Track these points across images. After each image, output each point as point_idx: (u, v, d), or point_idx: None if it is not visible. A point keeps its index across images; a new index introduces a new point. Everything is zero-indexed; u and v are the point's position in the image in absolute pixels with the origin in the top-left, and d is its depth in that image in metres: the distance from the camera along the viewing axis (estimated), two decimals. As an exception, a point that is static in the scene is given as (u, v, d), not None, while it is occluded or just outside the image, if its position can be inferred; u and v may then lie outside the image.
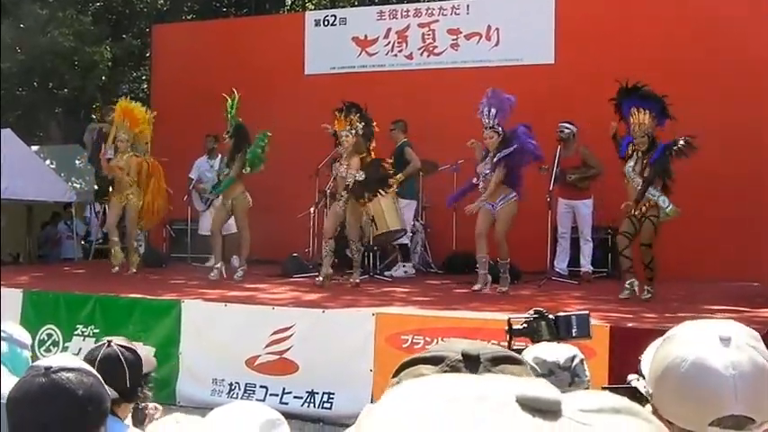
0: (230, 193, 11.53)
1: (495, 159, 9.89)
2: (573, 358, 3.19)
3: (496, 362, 1.26)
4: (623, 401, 0.91)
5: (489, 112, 9.97)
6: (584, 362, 3.32)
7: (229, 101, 11.49)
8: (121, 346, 3.56)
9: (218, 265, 11.65)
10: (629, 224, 9.59)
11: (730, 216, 11.90)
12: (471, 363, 1.25)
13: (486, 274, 10.23)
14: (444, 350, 1.30)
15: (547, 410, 0.85)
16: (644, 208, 9.44)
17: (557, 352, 3.20)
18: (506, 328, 3.57)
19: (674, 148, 9.30)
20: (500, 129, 9.94)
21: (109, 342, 3.56)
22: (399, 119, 12.16)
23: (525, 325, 3.56)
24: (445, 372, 1.24)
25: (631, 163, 9.52)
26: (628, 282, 9.61)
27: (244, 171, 11.49)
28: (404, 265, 12.18)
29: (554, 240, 11.86)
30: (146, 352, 3.83)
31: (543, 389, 0.87)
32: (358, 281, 10.63)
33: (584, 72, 12.57)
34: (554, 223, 11.80)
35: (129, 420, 3.61)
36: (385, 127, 11.35)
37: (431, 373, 1.25)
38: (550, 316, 3.53)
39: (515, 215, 10.10)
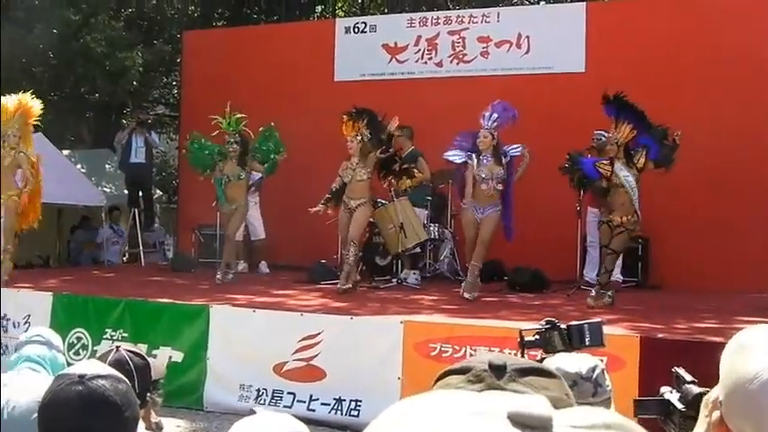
0: (236, 199, 11.58)
1: (506, 158, 10.00)
2: (594, 368, 3.16)
3: (524, 373, 1.26)
4: (616, 417, 0.90)
5: (491, 115, 10.11)
6: (605, 371, 3.29)
7: (231, 116, 11.55)
8: (130, 352, 3.57)
9: (240, 268, 11.75)
10: (608, 233, 9.63)
11: (758, 225, 11.80)
12: (497, 372, 1.24)
13: (478, 282, 10.39)
14: (473, 361, 1.30)
15: (538, 427, 0.85)
16: (625, 218, 9.42)
17: (578, 362, 3.17)
18: (518, 339, 3.54)
19: (670, 141, 9.39)
20: (495, 133, 10.10)
21: (117, 347, 3.58)
22: (405, 125, 12.09)
23: (537, 336, 3.54)
24: (470, 381, 1.24)
25: (626, 172, 9.46)
26: (609, 291, 9.65)
27: (267, 172, 11.64)
28: (414, 273, 12.11)
29: (583, 249, 11.82)
30: (157, 361, 3.84)
31: (536, 406, 0.87)
32: (348, 287, 10.52)
33: (614, 80, 12.49)
34: (583, 232, 11.75)
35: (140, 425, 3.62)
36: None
37: (457, 382, 1.25)
38: (562, 326, 3.51)
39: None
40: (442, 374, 1.31)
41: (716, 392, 1.75)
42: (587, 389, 3.06)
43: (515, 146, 10.15)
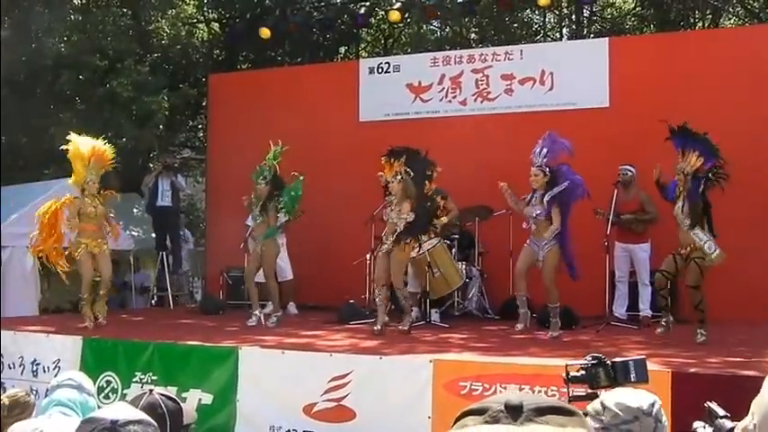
0: (260, 239, 11.57)
1: (547, 198, 9.90)
2: (654, 403, 3.14)
3: (541, 412, 1.25)
4: None
5: (540, 151, 10.03)
6: (662, 407, 3.27)
7: (273, 149, 11.56)
8: (163, 395, 3.56)
9: (257, 312, 11.71)
10: (671, 263, 9.60)
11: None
12: (513, 412, 1.24)
13: (526, 312, 10.35)
14: (490, 401, 1.30)
15: None
16: (689, 248, 9.37)
17: (639, 397, 3.15)
18: (564, 375, 3.54)
19: (704, 180, 9.30)
20: (546, 169, 9.98)
21: (150, 391, 3.57)
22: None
23: (583, 371, 3.54)
24: (486, 422, 1.24)
25: (680, 203, 9.46)
26: (663, 320, 9.73)
27: (284, 218, 11.61)
28: (435, 311, 12.01)
29: (612, 285, 11.75)
30: (188, 405, 3.83)
31: None
32: (407, 327, 10.52)
33: (639, 115, 12.50)
34: (611, 267, 11.69)
35: None
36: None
37: (474, 423, 1.25)
38: (608, 361, 3.51)
39: (560, 259, 10.13)
40: (461, 415, 1.31)
41: (747, 420, 1.74)
42: (649, 424, 3.04)
43: (563, 184, 10.00)
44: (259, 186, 11.53)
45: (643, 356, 3.61)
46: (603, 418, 2.99)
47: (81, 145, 11.45)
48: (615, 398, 3.12)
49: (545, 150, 10.07)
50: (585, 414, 3.03)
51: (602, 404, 3.05)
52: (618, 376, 3.51)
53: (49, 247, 11.25)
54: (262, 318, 11.66)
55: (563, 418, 1.25)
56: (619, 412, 3.00)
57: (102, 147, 11.59)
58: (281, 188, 11.54)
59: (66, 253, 11.35)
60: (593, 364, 3.54)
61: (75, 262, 11.33)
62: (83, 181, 11.33)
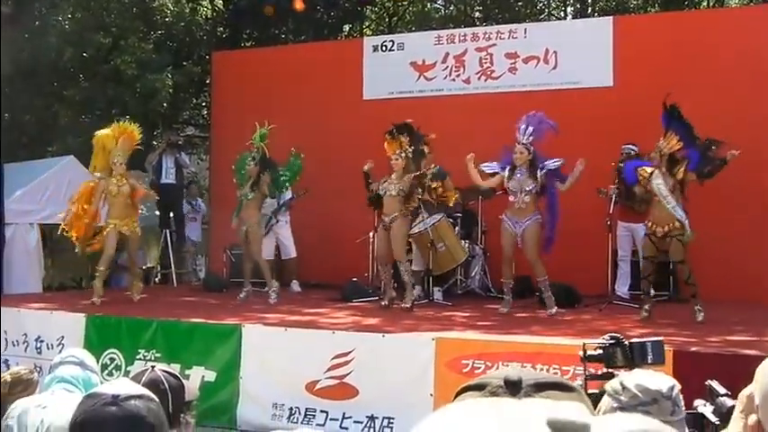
0: (246, 220, 11.64)
1: (541, 173, 9.93)
2: (672, 387, 3.13)
3: (540, 387, 1.26)
4: (653, 424, 0.90)
5: (525, 129, 10.08)
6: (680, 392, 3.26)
7: (259, 131, 11.66)
8: (165, 372, 3.57)
9: (248, 288, 11.86)
10: (651, 246, 9.67)
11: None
12: (512, 388, 1.25)
13: (510, 298, 10.51)
14: (490, 377, 1.31)
15: None
16: (666, 227, 9.38)
17: (658, 380, 3.13)
18: (581, 353, 3.55)
19: (710, 149, 9.34)
20: (531, 148, 10.05)
21: (152, 367, 3.58)
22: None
23: (600, 350, 3.55)
24: (486, 397, 1.25)
25: (659, 180, 9.42)
26: (646, 305, 9.73)
27: (288, 196, 11.77)
28: (438, 289, 12.05)
29: (614, 264, 11.76)
30: (191, 381, 3.83)
31: (574, 413, 0.87)
32: (409, 305, 10.56)
33: (642, 95, 12.46)
34: (614, 246, 11.70)
35: None
36: (441, 150, 11.32)
37: (473, 398, 1.26)
38: (626, 342, 3.52)
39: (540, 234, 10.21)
40: (460, 390, 1.32)
41: (750, 389, 1.74)
42: (666, 407, 3.03)
43: (555, 159, 10.08)
44: (248, 167, 11.64)
45: (661, 338, 3.62)
46: (622, 398, 2.98)
47: (104, 133, 11.71)
48: (635, 379, 3.11)
49: (530, 129, 10.13)
50: (603, 392, 3.04)
51: (621, 384, 3.04)
52: (635, 357, 3.52)
53: (81, 225, 11.54)
54: (250, 293, 11.96)
55: (562, 394, 1.26)
56: (638, 393, 3.00)
57: (130, 127, 11.80)
58: (270, 167, 11.63)
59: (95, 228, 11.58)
60: (610, 343, 3.56)
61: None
62: (108, 164, 11.58)
